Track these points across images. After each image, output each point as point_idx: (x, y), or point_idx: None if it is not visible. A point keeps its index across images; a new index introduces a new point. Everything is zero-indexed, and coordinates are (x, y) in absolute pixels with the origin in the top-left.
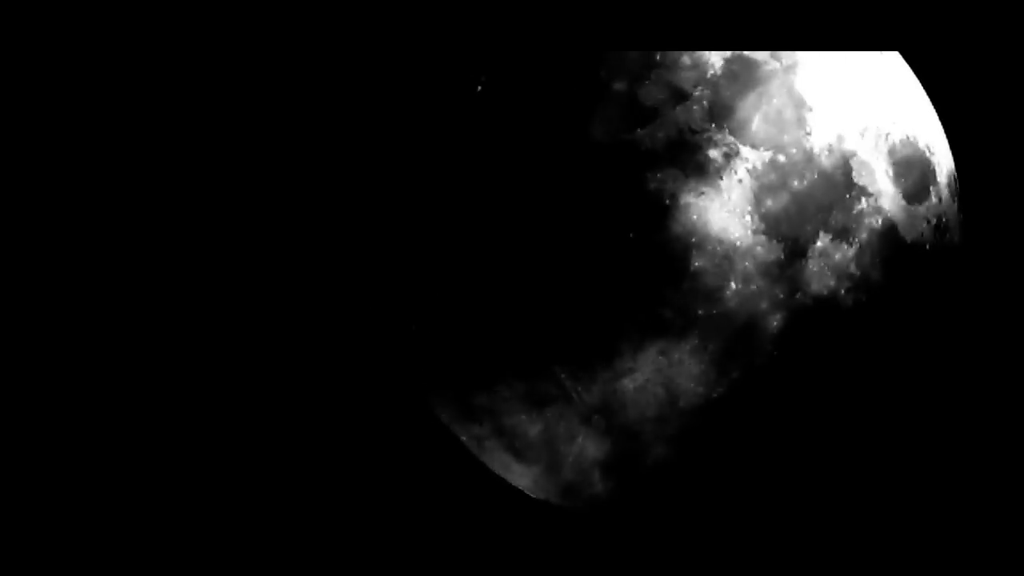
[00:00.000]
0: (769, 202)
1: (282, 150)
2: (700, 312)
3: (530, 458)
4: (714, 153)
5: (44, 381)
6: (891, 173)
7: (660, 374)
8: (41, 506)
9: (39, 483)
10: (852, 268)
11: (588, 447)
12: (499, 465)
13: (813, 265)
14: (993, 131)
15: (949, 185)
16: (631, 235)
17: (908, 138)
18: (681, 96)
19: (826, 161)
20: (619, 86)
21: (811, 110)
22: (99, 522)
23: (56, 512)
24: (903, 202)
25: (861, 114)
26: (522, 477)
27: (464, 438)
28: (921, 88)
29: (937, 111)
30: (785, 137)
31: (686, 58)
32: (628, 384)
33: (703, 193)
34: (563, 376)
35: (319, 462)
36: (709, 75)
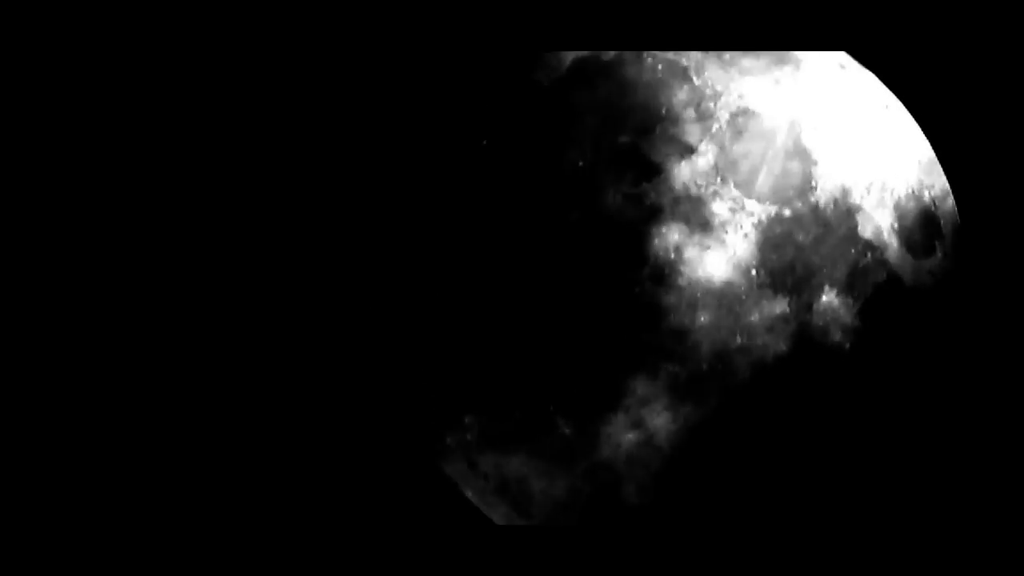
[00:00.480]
0: (774, 256)
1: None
2: (704, 367)
3: (532, 514)
4: (719, 207)
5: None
6: (896, 227)
7: (665, 428)
8: (40, 508)
9: (37, 484)
10: (857, 322)
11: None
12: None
13: (818, 320)
14: (1000, 186)
15: (955, 240)
16: (636, 290)
17: (914, 192)
18: (687, 150)
19: (831, 215)
20: (624, 140)
21: (816, 164)
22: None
23: (46, 521)
24: (908, 256)
25: (867, 168)
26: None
27: (468, 493)
28: (925, 138)
29: (938, 154)
30: (791, 191)
31: (691, 111)
32: (632, 438)
33: (708, 247)
34: (567, 431)
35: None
36: (714, 129)
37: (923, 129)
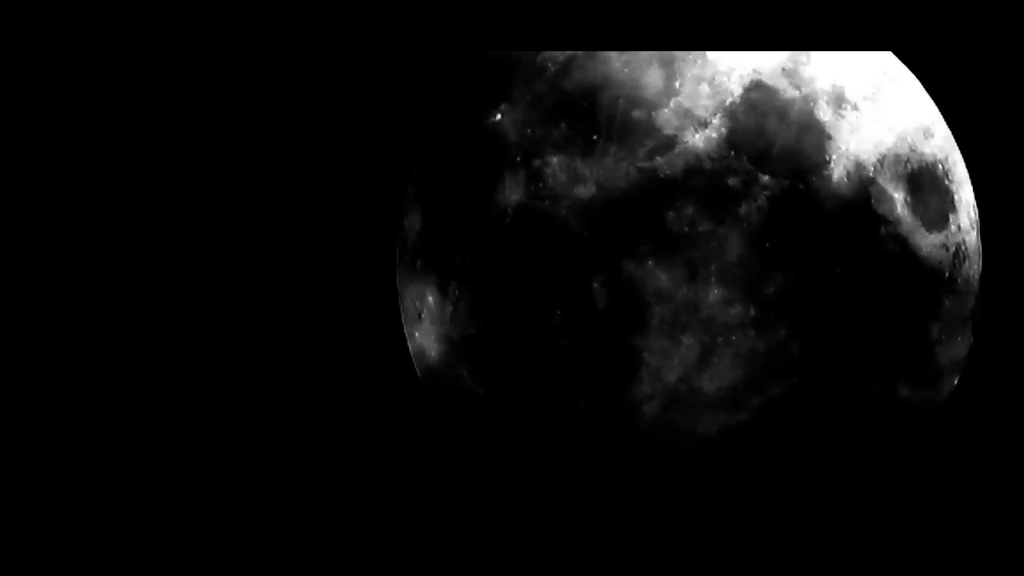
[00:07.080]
0: (788, 230)
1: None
2: (719, 339)
3: None
4: (732, 181)
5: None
6: (910, 201)
7: (679, 403)
8: (41, 506)
9: (39, 483)
10: (871, 296)
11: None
12: None
13: (832, 293)
14: (1014, 157)
15: (968, 213)
16: (649, 263)
17: (927, 165)
18: (699, 124)
19: (845, 189)
20: (638, 114)
21: (830, 138)
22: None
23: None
24: (922, 230)
25: (880, 142)
26: None
27: None
28: (939, 113)
29: (954, 132)
30: (804, 165)
31: (704, 86)
32: (646, 411)
33: (722, 221)
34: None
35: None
36: (728, 103)
37: (960, 136)
